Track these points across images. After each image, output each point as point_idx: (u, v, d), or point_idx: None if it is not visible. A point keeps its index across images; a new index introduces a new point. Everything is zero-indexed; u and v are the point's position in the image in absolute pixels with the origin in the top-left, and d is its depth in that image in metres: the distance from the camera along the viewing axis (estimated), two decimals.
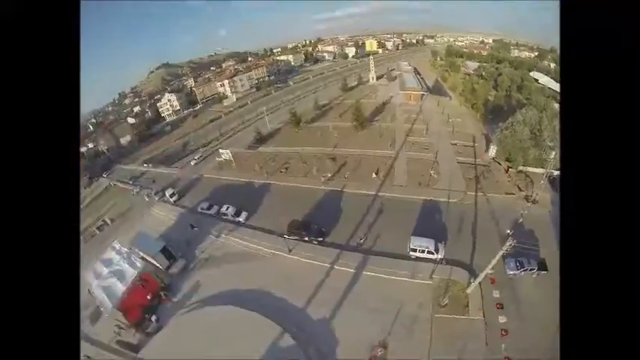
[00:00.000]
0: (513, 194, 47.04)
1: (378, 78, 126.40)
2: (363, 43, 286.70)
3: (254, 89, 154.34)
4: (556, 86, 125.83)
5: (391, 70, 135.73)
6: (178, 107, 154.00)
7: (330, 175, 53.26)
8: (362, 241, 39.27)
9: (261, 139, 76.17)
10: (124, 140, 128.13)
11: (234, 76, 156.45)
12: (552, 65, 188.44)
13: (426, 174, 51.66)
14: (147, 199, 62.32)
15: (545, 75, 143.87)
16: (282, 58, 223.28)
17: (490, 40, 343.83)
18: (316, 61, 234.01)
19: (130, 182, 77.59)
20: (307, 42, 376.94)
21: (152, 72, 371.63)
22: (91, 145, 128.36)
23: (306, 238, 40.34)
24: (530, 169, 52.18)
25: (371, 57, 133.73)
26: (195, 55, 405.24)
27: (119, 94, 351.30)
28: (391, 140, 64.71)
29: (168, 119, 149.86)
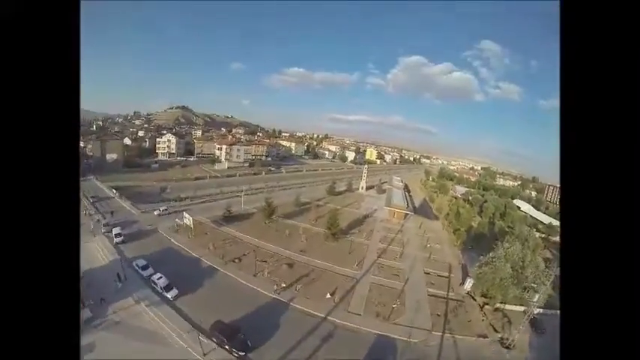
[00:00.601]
0: (486, 337, 41.54)
1: (367, 188, 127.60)
2: (364, 151, 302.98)
3: (247, 164, 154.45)
4: (537, 214, 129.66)
5: (382, 183, 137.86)
6: (174, 151, 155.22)
7: (284, 285, 46.16)
8: None
9: (229, 218, 70.77)
10: (110, 157, 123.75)
11: (234, 144, 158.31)
12: (533, 194, 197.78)
13: (388, 304, 45.04)
14: (92, 226, 58.64)
15: (527, 203, 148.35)
16: (285, 143, 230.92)
17: (479, 167, 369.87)
18: (315, 156, 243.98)
19: (90, 200, 76.17)
20: (315, 135, 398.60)
21: (171, 108, 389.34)
22: (81, 144, 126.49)
23: (227, 347, 33.16)
24: (509, 307, 48.37)
25: (366, 167, 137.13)
26: (214, 110, 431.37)
27: (134, 112, 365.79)
28: (360, 259, 59.02)
29: (160, 157, 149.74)
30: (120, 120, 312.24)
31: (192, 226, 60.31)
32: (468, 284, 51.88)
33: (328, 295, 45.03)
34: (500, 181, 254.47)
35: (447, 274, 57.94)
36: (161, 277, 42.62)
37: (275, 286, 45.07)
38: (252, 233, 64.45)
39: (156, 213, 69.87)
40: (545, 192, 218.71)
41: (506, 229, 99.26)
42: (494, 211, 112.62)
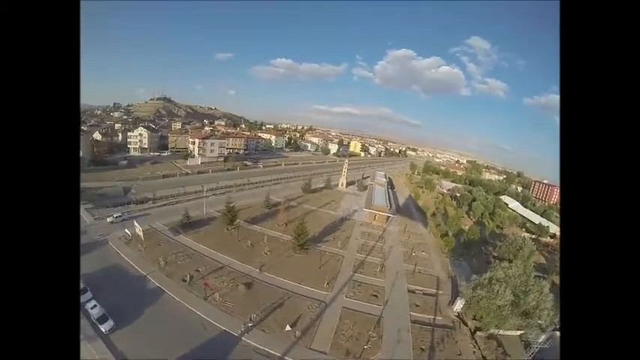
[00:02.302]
0: None
1: (348, 184, 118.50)
2: (349, 143, 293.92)
3: (222, 159, 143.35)
4: (525, 212, 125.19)
5: (365, 178, 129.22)
6: (147, 146, 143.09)
7: (250, 324, 37.07)
8: None
9: (187, 225, 61.39)
10: None
11: (207, 138, 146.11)
12: (519, 189, 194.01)
13: (362, 337, 37.03)
14: None
15: (514, 199, 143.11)
16: (266, 136, 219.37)
17: (464, 160, 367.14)
18: (297, 148, 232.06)
19: None
20: (298, 127, 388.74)
21: (152, 99, 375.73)
22: None
23: None
24: (503, 332, 41.30)
25: (346, 161, 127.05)
26: (200, 102, 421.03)
27: (114, 104, 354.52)
28: (331, 276, 49.98)
29: (132, 153, 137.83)
30: (99, 112, 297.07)
31: (142, 237, 51.96)
32: (459, 305, 44.47)
33: (288, 327, 36.71)
34: (486, 175, 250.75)
35: (433, 290, 50.20)
36: (95, 307, 35.84)
37: (243, 325, 36.44)
38: (211, 243, 55.61)
39: (109, 220, 60.54)
40: (532, 187, 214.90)
41: (496, 231, 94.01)
42: (484, 210, 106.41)
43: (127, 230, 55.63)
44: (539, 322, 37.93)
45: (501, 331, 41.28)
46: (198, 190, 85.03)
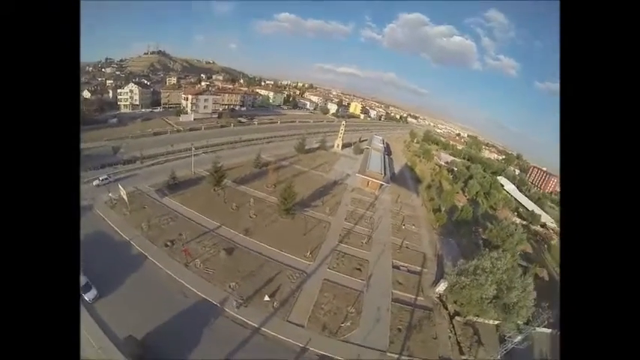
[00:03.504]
0: None
1: (344, 146, 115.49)
2: (349, 104, 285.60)
3: (216, 115, 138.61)
4: (520, 197, 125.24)
5: (362, 141, 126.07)
6: (137, 102, 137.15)
7: (242, 301, 35.54)
8: None
9: (174, 186, 59.44)
10: None
11: (201, 94, 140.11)
12: (517, 172, 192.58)
13: (340, 312, 36.69)
14: None
15: (511, 182, 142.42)
16: (263, 92, 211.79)
17: (465, 134, 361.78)
18: (295, 106, 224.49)
19: None
20: (299, 84, 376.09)
21: (146, 54, 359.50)
22: None
23: None
24: (480, 320, 41.49)
25: (343, 122, 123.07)
26: (196, 55, 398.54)
27: (106, 58, 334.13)
28: (315, 245, 48.97)
29: (122, 110, 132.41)
30: (90, 68, 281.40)
31: (127, 200, 50.12)
32: (441, 287, 44.09)
33: (267, 298, 36.22)
34: (485, 153, 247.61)
35: (418, 268, 49.79)
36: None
37: (234, 302, 35.05)
38: (196, 205, 54.10)
39: (95, 184, 57.93)
40: (529, 172, 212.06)
41: (489, 212, 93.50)
42: (479, 189, 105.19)
43: (111, 194, 53.50)
44: (517, 319, 37.91)
45: (479, 319, 41.49)
46: (188, 148, 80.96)
